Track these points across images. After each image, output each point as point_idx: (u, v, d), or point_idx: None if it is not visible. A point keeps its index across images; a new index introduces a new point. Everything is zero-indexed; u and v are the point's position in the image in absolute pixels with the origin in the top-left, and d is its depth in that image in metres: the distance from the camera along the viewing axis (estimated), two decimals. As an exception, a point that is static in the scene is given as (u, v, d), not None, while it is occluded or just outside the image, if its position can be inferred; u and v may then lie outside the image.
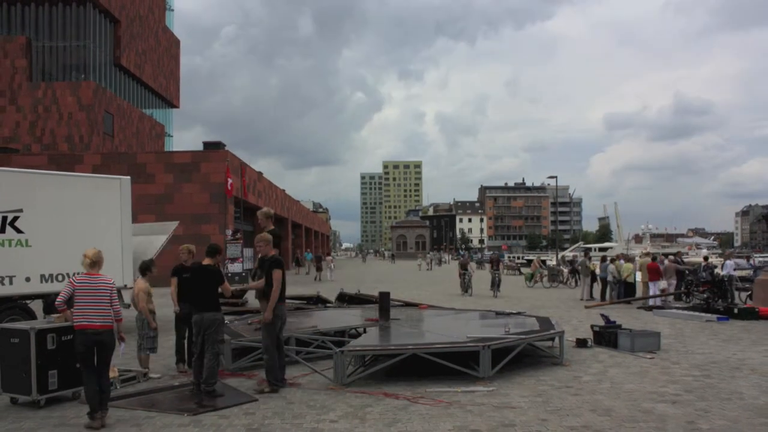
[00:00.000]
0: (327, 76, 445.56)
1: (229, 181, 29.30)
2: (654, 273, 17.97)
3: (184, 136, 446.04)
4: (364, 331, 9.69)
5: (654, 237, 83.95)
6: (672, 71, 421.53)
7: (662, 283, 17.90)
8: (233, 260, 28.57)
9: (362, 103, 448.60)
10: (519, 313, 11.87)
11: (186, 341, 8.31)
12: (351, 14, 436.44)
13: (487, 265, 37.65)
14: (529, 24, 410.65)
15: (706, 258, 23.51)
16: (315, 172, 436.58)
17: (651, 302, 17.17)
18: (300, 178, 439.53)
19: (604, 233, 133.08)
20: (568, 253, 55.11)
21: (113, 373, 7.04)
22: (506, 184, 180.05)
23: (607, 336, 10.20)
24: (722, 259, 23.18)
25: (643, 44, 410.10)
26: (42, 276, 10.46)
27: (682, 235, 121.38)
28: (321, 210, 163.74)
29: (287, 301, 15.76)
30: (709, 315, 13.94)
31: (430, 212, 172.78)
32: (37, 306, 11.20)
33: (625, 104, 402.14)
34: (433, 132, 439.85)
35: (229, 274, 27.55)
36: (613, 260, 20.46)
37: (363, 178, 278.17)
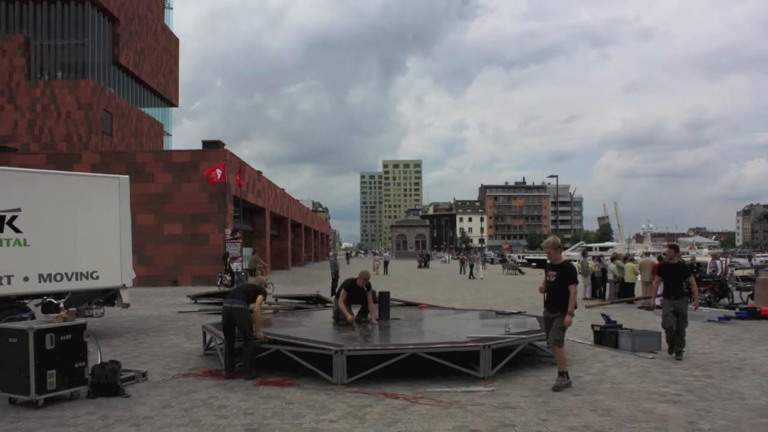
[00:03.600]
0: (383, 95, 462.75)
1: (219, 172, 28.70)
2: None
3: (260, 144, 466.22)
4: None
5: (655, 236, 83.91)
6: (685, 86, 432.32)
7: None
8: (233, 260, 28.64)
9: (410, 118, 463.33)
10: (519, 313, 11.84)
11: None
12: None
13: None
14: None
15: (715, 257, 23.51)
16: (351, 178, 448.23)
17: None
18: (341, 183, 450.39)
19: (605, 232, 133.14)
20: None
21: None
22: (506, 183, 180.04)
23: (607, 336, 10.17)
24: (710, 258, 23.04)
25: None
26: (40, 275, 10.42)
27: (683, 235, 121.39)
28: (321, 209, 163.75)
29: (286, 300, 15.76)
30: (710, 315, 13.91)
31: (430, 212, 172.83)
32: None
33: (642, 117, 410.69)
34: (472, 139, 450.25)
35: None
36: (612, 259, 20.44)
37: (363, 177, 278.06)
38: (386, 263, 43.54)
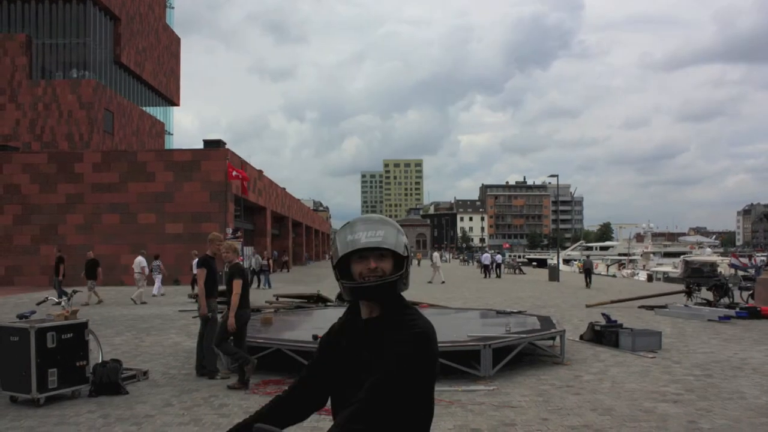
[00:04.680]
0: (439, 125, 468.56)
1: (234, 173, 29.17)
2: None
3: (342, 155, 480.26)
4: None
5: (655, 236, 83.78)
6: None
7: None
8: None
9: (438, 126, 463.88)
10: (520, 312, 11.85)
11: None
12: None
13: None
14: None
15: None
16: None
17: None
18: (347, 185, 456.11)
19: (605, 232, 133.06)
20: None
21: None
22: (507, 182, 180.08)
23: (608, 335, 10.18)
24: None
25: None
26: None
27: (684, 234, 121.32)
28: (321, 209, 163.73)
29: (287, 299, 15.76)
30: (710, 314, 13.92)
31: (431, 211, 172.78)
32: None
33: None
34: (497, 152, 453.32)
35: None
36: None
37: (363, 176, 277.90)
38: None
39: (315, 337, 7.75)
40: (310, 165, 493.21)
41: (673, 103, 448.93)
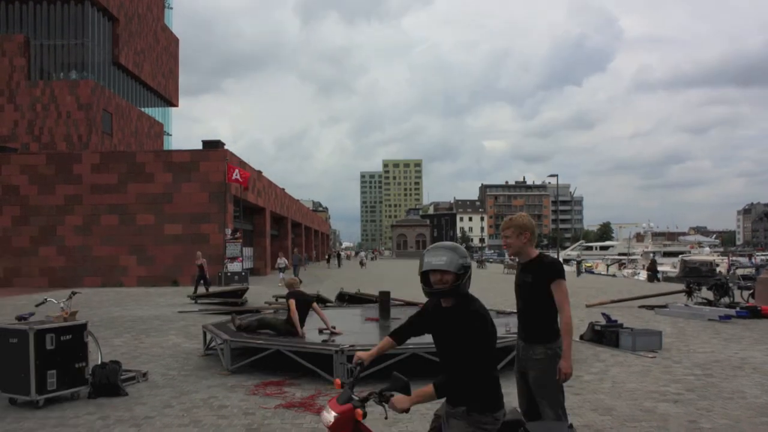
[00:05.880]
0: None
1: (235, 172, 29.13)
2: None
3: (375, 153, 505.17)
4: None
5: (656, 235, 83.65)
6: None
7: None
8: (233, 259, 28.66)
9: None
10: (519, 312, 11.82)
11: None
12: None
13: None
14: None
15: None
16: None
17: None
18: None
19: (605, 232, 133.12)
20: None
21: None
22: (507, 182, 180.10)
23: (608, 335, 10.17)
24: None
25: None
26: None
27: (684, 234, 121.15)
28: (321, 209, 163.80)
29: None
30: (711, 313, 13.91)
31: (431, 211, 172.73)
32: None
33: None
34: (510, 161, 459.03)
35: (229, 273, 27.65)
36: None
37: (363, 177, 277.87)
38: None
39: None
40: (332, 170, 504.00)
41: (677, 113, 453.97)
